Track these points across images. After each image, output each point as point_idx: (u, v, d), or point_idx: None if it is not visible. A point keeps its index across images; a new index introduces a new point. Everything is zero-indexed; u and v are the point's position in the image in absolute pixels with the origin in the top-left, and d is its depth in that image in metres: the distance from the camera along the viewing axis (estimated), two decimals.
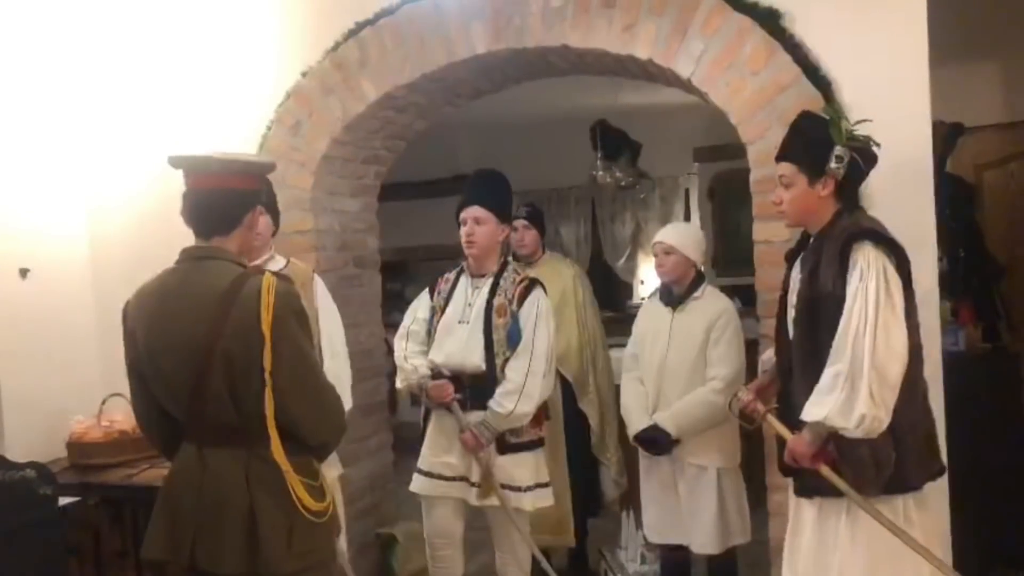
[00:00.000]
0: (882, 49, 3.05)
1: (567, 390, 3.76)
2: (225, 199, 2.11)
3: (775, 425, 2.47)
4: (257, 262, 2.76)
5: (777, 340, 2.58)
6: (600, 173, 5.76)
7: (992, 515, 3.23)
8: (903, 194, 3.04)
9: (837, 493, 2.29)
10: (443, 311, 3.09)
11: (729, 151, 6.56)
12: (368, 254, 4.16)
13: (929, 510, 2.41)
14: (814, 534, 2.37)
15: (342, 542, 2.93)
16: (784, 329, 2.51)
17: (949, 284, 3.19)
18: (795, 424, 2.37)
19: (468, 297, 3.08)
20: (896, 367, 2.21)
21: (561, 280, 3.82)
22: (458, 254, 3.19)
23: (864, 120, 2.73)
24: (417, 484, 3.13)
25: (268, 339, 1.96)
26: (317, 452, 2.15)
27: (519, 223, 3.83)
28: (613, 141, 5.87)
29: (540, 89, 5.50)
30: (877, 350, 2.18)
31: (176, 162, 2.13)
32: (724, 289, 3.62)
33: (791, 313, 2.46)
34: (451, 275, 3.18)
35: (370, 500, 4.02)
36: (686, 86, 3.37)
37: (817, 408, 2.24)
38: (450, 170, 6.51)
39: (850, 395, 2.18)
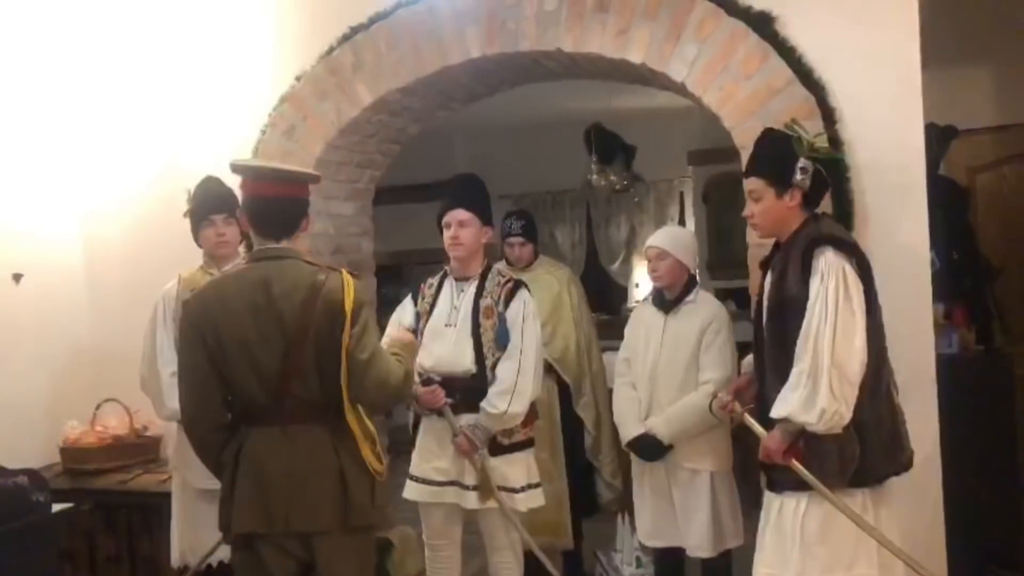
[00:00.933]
0: (875, 53, 3.07)
1: (564, 393, 3.76)
2: (288, 205, 2.39)
3: (751, 424, 2.56)
4: (227, 268, 2.78)
5: (755, 342, 2.66)
6: (595, 177, 5.76)
7: (984, 516, 3.23)
8: (897, 197, 3.06)
9: (804, 489, 2.38)
10: (429, 316, 3.09)
11: (723, 154, 6.56)
12: (363, 258, 4.16)
13: (891, 505, 2.49)
14: (775, 528, 2.46)
15: None
16: (760, 332, 2.60)
17: (943, 286, 3.20)
18: (769, 422, 2.47)
19: (454, 300, 3.08)
20: (855, 364, 2.32)
21: (555, 283, 3.83)
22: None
23: (821, 133, 2.79)
24: (410, 491, 3.12)
25: (349, 323, 2.28)
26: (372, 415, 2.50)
27: (515, 240, 3.84)
28: (607, 144, 5.88)
29: (534, 92, 5.51)
30: (836, 348, 2.29)
31: (239, 169, 2.41)
32: (718, 292, 3.64)
33: (764, 316, 2.56)
34: (434, 280, 3.18)
35: None
36: (680, 90, 3.38)
37: (782, 405, 2.38)
38: (445, 173, 6.42)
39: (812, 391, 2.30)
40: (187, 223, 3.21)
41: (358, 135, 3.83)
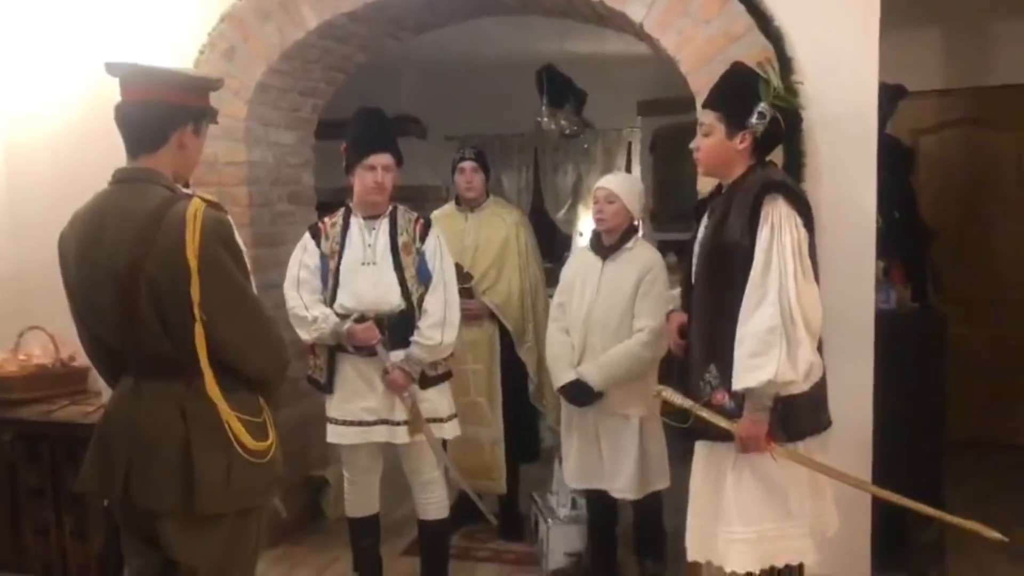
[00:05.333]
0: (835, 6, 3.04)
1: (505, 337, 3.72)
2: (152, 112, 1.97)
3: (709, 417, 2.33)
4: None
5: (682, 284, 2.61)
6: (545, 120, 5.66)
7: (910, 466, 3.32)
8: (848, 153, 3.06)
9: (723, 437, 2.32)
10: (339, 255, 3.03)
11: (672, 105, 6.52)
12: (303, 190, 4.03)
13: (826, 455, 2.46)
14: (706, 477, 2.42)
15: None
16: (689, 274, 2.53)
17: (883, 244, 3.24)
18: (690, 381, 2.39)
19: (366, 238, 3.04)
20: (818, 316, 2.27)
21: (504, 226, 3.76)
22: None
23: (799, 82, 2.75)
24: (337, 434, 3.10)
25: (195, 270, 1.86)
26: (260, 389, 2.07)
27: (467, 164, 3.75)
28: (559, 87, 5.77)
29: (485, 31, 5.37)
30: (802, 299, 2.22)
31: (113, 70, 2.00)
32: (661, 244, 3.63)
33: (697, 259, 2.48)
34: (336, 218, 3.11)
35: (300, 442, 3.96)
36: (637, 32, 3.31)
37: (758, 372, 2.20)
38: (391, 110, 6.29)
39: (792, 347, 2.20)
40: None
41: (302, 60, 3.67)
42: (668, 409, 2.48)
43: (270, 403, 2.10)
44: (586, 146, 6.85)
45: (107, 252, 1.91)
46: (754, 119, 2.37)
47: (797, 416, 2.30)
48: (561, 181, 7.10)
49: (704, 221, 2.50)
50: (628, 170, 6.91)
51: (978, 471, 4.53)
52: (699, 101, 3.11)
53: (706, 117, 2.45)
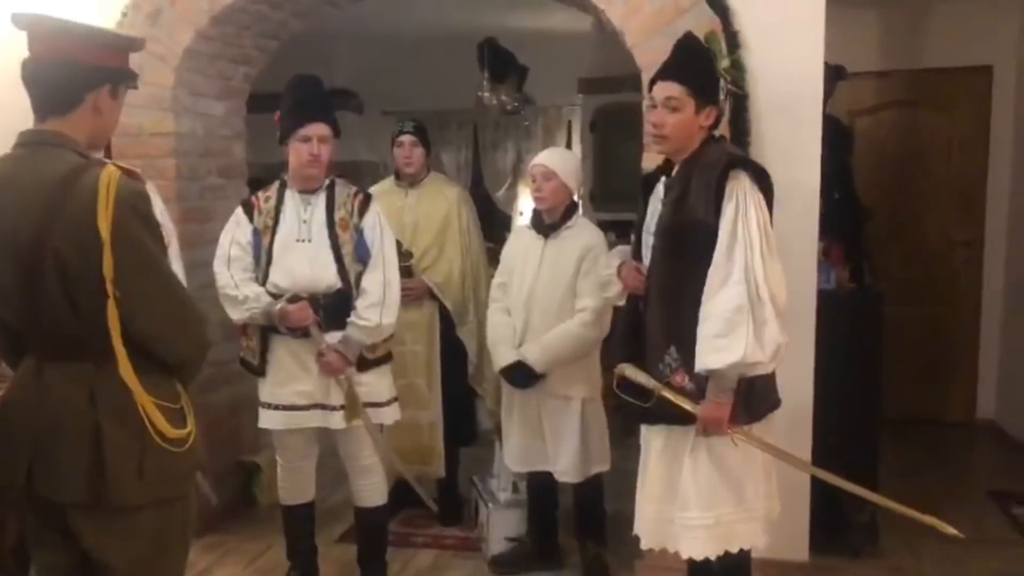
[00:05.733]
0: None
1: (445, 318, 3.62)
2: (64, 71, 1.80)
3: (673, 398, 2.25)
4: None
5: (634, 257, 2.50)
6: (486, 95, 5.55)
7: (850, 444, 3.35)
8: (792, 130, 3.05)
9: (682, 421, 2.26)
10: (273, 231, 2.90)
11: (613, 84, 6.50)
12: (234, 163, 3.86)
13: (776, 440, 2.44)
14: (660, 462, 2.35)
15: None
16: (639, 258, 2.44)
17: (822, 225, 3.24)
18: (647, 363, 2.31)
19: (302, 214, 2.91)
20: (784, 294, 2.22)
21: (445, 203, 3.65)
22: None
23: (735, 56, 2.70)
24: (269, 419, 2.98)
25: (107, 243, 1.71)
26: (178, 372, 1.93)
27: (406, 138, 3.61)
28: (501, 62, 5.66)
29: (428, 2, 5.25)
30: (769, 278, 2.17)
31: (19, 21, 1.82)
32: (601, 223, 3.57)
33: (648, 241, 2.39)
34: (270, 192, 2.97)
35: (231, 426, 3.82)
36: (582, 3, 3.23)
37: (724, 353, 2.13)
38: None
39: (759, 327, 2.14)
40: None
41: (233, 26, 3.50)
42: (624, 387, 2.38)
43: (187, 386, 1.96)
44: (527, 123, 6.76)
45: (9, 222, 1.75)
46: (722, 95, 2.30)
47: (757, 396, 2.26)
48: (501, 159, 7.00)
49: (655, 200, 2.40)
50: (568, 148, 6.85)
51: (908, 446, 4.63)
52: (646, 76, 3.05)
53: (673, 91, 2.29)
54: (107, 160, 1.86)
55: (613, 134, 6.56)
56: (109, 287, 1.73)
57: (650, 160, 3.05)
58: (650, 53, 3.03)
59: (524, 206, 7.09)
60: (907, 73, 5.24)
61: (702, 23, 2.95)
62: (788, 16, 3.01)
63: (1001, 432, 5.01)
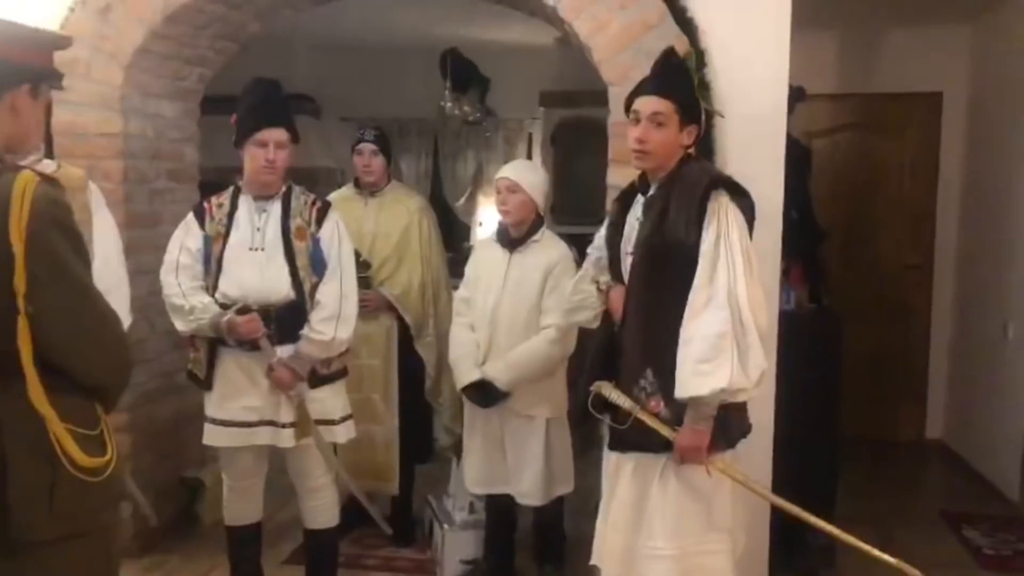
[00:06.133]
0: (748, 3, 3.00)
1: (403, 331, 3.53)
2: None
3: (650, 422, 2.19)
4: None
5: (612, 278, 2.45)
6: (449, 104, 5.49)
7: (810, 467, 3.35)
8: (756, 150, 3.04)
9: (653, 448, 2.21)
10: (225, 238, 2.79)
11: (574, 98, 6.50)
12: (185, 167, 3.74)
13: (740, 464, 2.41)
14: (630, 489, 2.28)
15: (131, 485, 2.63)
16: (619, 277, 2.38)
17: (782, 245, 3.24)
18: (621, 385, 2.25)
19: (256, 221, 2.80)
20: (765, 318, 2.17)
21: (406, 213, 3.56)
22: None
23: (701, 75, 2.67)
24: (214, 436, 2.86)
25: (20, 255, 1.57)
26: (98, 396, 1.77)
27: (366, 147, 3.52)
28: (464, 72, 5.61)
29: (388, 8, 5.17)
30: (752, 302, 2.12)
31: None
32: (561, 237, 3.52)
33: (627, 260, 2.34)
34: (223, 199, 2.86)
35: (174, 442, 3.68)
36: (549, 16, 3.19)
37: (708, 379, 2.07)
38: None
39: (743, 353, 2.09)
40: None
41: (189, 25, 3.38)
42: (598, 407, 2.31)
43: (109, 412, 1.81)
44: (488, 134, 6.71)
45: None
46: (704, 114, 2.26)
47: (732, 422, 2.22)
48: (461, 169, 6.94)
49: (633, 219, 2.35)
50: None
51: (863, 466, 4.67)
52: (613, 91, 3.02)
53: (661, 106, 2.24)
54: (23, 165, 1.71)
55: (573, 148, 6.55)
56: (21, 302, 1.58)
57: (616, 175, 3.02)
58: (617, 68, 3.02)
59: (484, 216, 7.05)
60: (861, 97, 5.32)
61: (669, 40, 2.92)
62: (754, 36, 3.01)
63: (950, 452, 5.08)
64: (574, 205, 6.30)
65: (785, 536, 3.26)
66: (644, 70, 2.92)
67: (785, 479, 3.09)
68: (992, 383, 4.57)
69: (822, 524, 2.27)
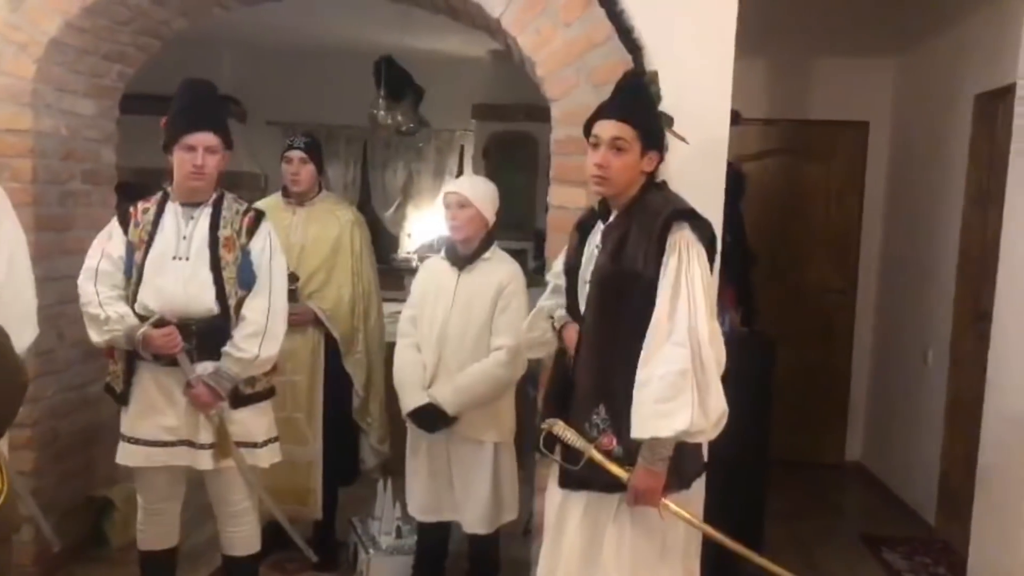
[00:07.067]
0: (692, 24, 2.99)
1: (329, 347, 3.40)
2: None
3: (604, 463, 2.12)
4: None
5: (568, 311, 2.36)
6: (382, 113, 5.37)
7: (739, 491, 3.34)
8: (697, 174, 3.00)
9: (608, 488, 2.14)
10: (148, 245, 2.64)
11: (507, 112, 6.48)
12: (102, 168, 3.53)
13: (692, 504, 2.36)
14: (580, 530, 2.20)
15: (32, 506, 2.44)
16: (576, 306, 2.30)
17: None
18: (573, 420, 2.18)
19: (182, 229, 2.66)
20: (723, 355, 2.12)
21: (337, 224, 3.43)
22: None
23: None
24: (128, 455, 2.70)
25: None
26: None
27: (295, 155, 3.38)
28: (398, 81, 5.51)
29: (320, 11, 5.03)
30: (712, 339, 2.06)
31: None
32: None
33: (584, 289, 2.26)
34: (150, 203, 2.72)
35: (84, 458, 3.46)
36: (492, 28, 3.12)
37: (669, 419, 1.99)
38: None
39: (703, 393, 2.01)
40: None
41: (109, 19, 3.19)
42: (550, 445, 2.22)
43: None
44: (420, 145, 6.62)
45: None
46: (667, 140, 2.20)
47: (686, 461, 2.16)
48: (391, 179, 6.83)
49: (591, 247, 2.28)
50: (459, 174, 6.75)
51: (786, 489, 4.70)
52: (554, 108, 2.97)
53: (622, 131, 2.17)
54: None
55: (505, 162, 6.52)
56: None
57: (559, 195, 2.97)
58: (560, 84, 2.96)
59: (413, 227, 6.93)
60: (791, 123, 5.42)
61: (613, 59, 2.90)
62: (698, 60, 2.99)
63: (869, 474, 5.19)
64: (506, 220, 6.24)
65: (717, 559, 3.24)
66: (588, 87, 2.92)
67: (716, 503, 3.08)
68: (911, 408, 4.68)
69: (761, 560, 2.23)
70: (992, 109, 4.01)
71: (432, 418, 2.91)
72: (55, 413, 3.30)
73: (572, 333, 2.27)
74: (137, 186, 3.46)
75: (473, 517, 2.97)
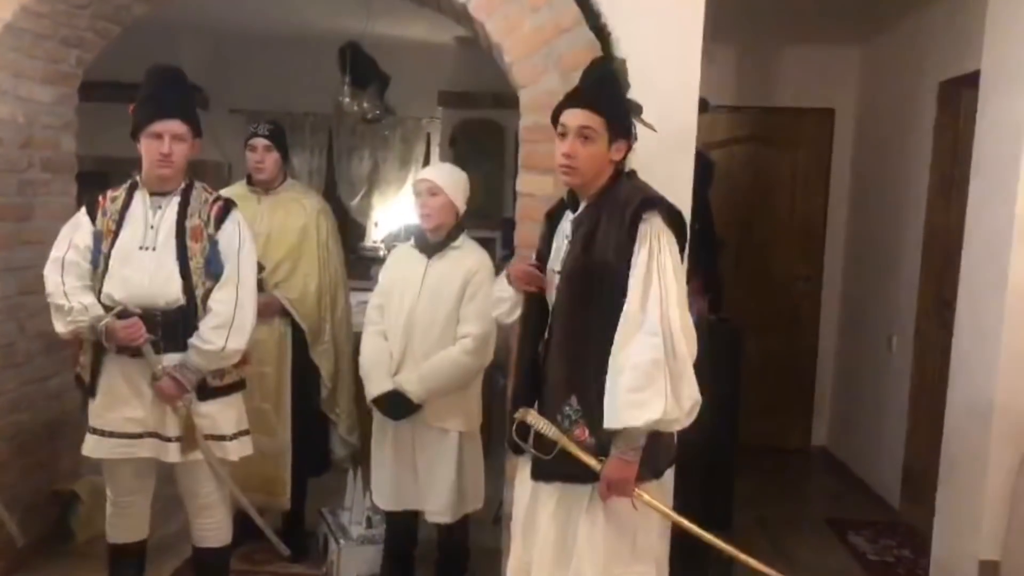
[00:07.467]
0: (660, 11, 2.98)
1: (297, 337, 3.36)
2: None
3: (577, 453, 2.11)
4: None
5: (527, 306, 2.34)
6: (347, 100, 5.31)
7: (708, 477, 3.37)
8: (665, 162, 2.99)
9: (580, 479, 2.13)
10: (115, 235, 2.60)
11: (474, 99, 6.44)
12: (61, 156, 3.45)
13: (663, 493, 2.37)
14: (554, 522, 2.19)
15: None
16: (542, 296, 2.29)
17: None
18: (545, 412, 2.17)
19: (149, 218, 2.62)
20: (695, 345, 2.11)
21: (303, 213, 3.39)
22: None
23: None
24: (94, 447, 2.66)
25: None
26: None
27: (259, 142, 3.33)
28: (363, 68, 5.44)
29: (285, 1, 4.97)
30: (684, 328, 2.05)
31: None
32: None
33: (554, 279, 2.25)
34: (119, 192, 2.68)
35: (48, 451, 3.40)
36: (459, 13, 3.09)
37: (642, 409, 1.98)
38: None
39: (676, 381, 2.01)
40: None
41: (66, 3, 3.11)
42: (522, 434, 2.20)
43: None
44: (386, 133, 6.56)
45: None
46: (635, 128, 2.17)
47: (659, 452, 2.15)
48: (356, 167, 6.75)
49: (560, 237, 2.26)
50: (426, 162, 6.71)
51: (754, 474, 4.75)
52: (523, 95, 2.95)
53: (591, 121, 2.14)
54: None
55: (472, 149, 6.47)
56: None
57: (527, 183, 2.95)
58: (528, 70, 2.94)
59: (379, 216, 6.88)
60: (757, 110, 5.45)
61: (581, 45, 2.88)
62: (667, 47, 2.98)
63: (833, 459, 5.26)
64: (472, 208, 6.22)
65: (685, 546, 3.27)
66: (556, 74, 2.90)
67: (685, 489, 3.10)
68: (876, 394, 4.75)
69: (730, 550, 2.23)
70: (956, 96, 4.06)
71: (397, 405, 2.89)
72: (15, 407, 3.24)
73: (519, 269, 2.29)
74: (99, 175, 3.39)
75: (436, 506, 2.97)
